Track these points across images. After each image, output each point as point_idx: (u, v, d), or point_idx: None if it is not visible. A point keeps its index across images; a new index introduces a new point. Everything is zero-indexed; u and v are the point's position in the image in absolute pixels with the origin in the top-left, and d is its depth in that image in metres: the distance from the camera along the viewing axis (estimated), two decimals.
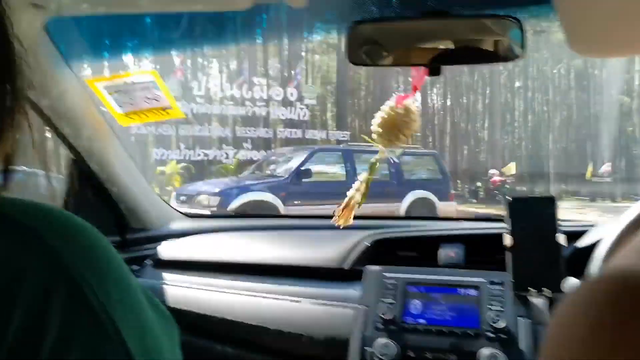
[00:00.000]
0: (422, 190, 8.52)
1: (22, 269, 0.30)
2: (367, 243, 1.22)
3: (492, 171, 15.62)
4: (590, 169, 16.73)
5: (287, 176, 7.73)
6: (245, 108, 10.93)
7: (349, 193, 1.06)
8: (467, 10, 0.98)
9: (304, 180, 7.60)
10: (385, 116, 0.97)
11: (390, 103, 0.99)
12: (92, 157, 1.30)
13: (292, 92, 11.46)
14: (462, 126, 22.84)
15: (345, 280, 1.19)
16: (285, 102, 11.39)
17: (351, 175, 7.95)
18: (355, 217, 1.10)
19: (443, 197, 8.59)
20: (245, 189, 7.44)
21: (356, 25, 0.93)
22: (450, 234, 1.19)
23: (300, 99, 11.45)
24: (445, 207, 8.36)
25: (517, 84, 21.29)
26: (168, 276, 1.34)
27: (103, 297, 0.31)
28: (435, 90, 23.65)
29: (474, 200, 14.93)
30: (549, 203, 1.02)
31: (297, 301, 1.17)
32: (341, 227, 1.08)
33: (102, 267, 0.32)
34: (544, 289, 0.98)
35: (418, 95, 0.99)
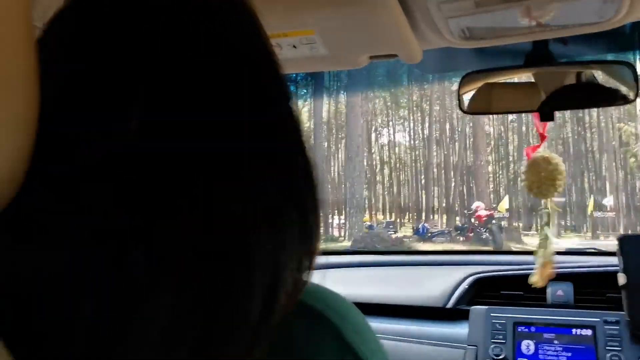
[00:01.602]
0: None
1: (319, 348, 0.35)
2: (469, 282, 1.23)
3: (476, 204, 12.62)
4: (592, 202, 16.28)
5: None
6: None
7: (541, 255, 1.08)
8: (576, 57, 1.02)
9: None
10: (532, 173, 1.00)
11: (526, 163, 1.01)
12: None
13: None
14: (452, 160, 22.73)
15: (448, 320, 1.20)
16: None
17: None
18: (453, 252, 1.10)
19: None
20: None
21: (467, 76, 0.97)
22: (556, 271, 1.20)
23: None
24: None
25: (510, 117, 21.50)
26: None
27: None
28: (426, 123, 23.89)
29: (461, 239, 12.50)
30: None
31: (406, 341, 1.17)
32: None
33: (371, 342, 0.38)
34: None
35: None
